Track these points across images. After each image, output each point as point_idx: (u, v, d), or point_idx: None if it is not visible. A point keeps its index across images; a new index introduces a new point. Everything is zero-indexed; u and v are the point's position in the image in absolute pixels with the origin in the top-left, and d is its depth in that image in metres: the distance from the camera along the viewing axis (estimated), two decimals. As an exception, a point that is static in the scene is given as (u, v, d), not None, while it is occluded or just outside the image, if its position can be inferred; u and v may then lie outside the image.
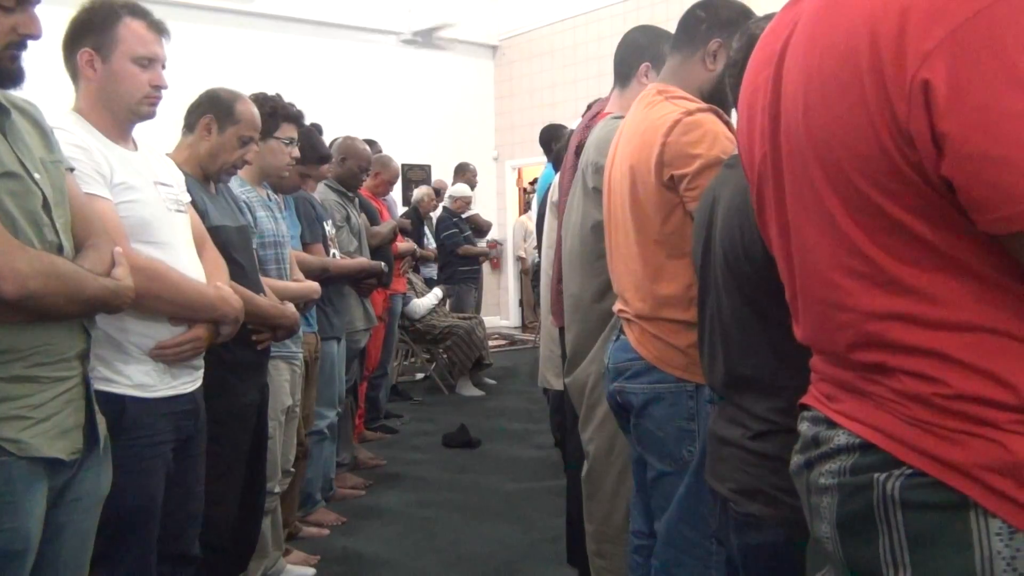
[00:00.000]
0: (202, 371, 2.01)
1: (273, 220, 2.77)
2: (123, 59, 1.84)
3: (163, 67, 1.92)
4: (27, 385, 1.39)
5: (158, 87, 1.89)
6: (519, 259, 9.83)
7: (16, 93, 1.50)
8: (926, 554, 0.80)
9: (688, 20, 1.90)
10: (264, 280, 2.62)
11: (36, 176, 1.43)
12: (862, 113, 0.78)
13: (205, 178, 2.32)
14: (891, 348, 0.83)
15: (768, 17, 1.23)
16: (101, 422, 1.56)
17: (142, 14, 1.88)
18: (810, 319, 0.96)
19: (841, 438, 0.88)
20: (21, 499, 1.37)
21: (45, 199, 1.43)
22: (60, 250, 1.45)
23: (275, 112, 2.78)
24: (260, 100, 2.74)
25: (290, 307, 2.53)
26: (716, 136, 1.70)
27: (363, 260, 3.76)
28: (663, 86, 1.88)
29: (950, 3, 0.71)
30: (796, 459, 0.99)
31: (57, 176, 1.51)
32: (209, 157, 2.30)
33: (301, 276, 2.96)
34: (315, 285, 2.93)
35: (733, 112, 1.55)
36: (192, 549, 2.05)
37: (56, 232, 1.45)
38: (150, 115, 1.91)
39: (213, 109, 2.31)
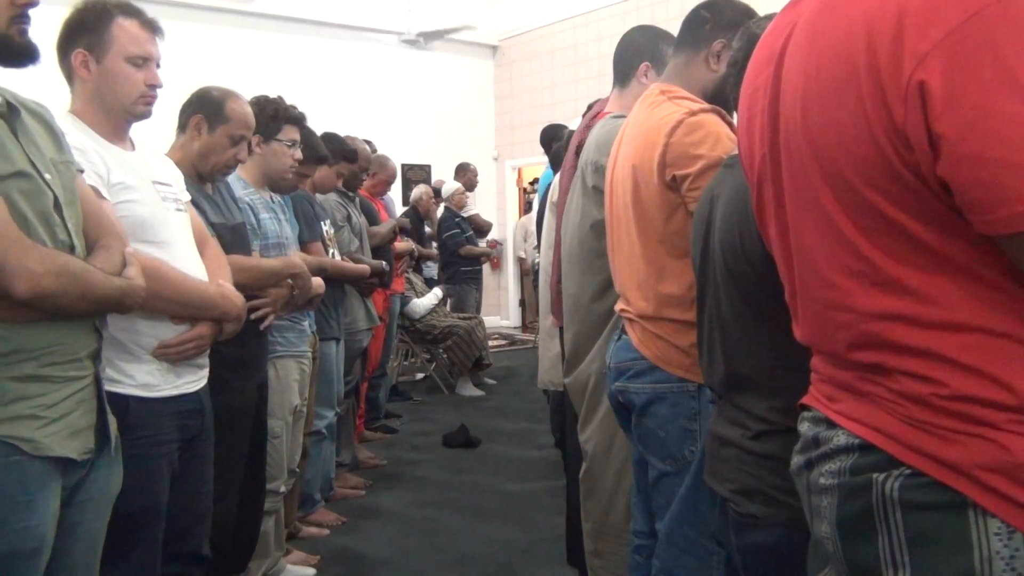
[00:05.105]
0: (207, 370, 2.01)
1: (277, 222, 2.78)
2: (117, 59, 1.84)
3: (158, 66, 1.91)
4: (39, 384, 1.39)
5: (153, 86, 1.88)
6: (519, 260, 9.83)
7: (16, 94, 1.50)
8: (925, 554, 0.80)
9: (692, 20, 1.90)
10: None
11: (47, 176, 1.43)
12: (859, 114, 0.79)
13: (200, 178, 2.32)
14: (889, 348, 0.83)
15: (769, 17, 1.24)
16: (112, 422, 1.57)
17: (135, 13, 1.88)
18: (810, 319, 0.96)
19: (841, 438, 0.89)
20: (35, 498, 1.37)
21: (56, 199, 1.44)
22: (72, 250, 1.46)
23: (277, 114, 2.78)
24: (262, 103, 2.74)
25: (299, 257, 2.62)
26: (719, 137, 1.70)
27: (364, 266, 3.76)
28: (666, 86, 1.88)
29: (946, 5, 0.71)
30: (796, 459, 0.99)
31: (68, 176, 1.52)
32: (200, 157, 2.29)
33: None
34: (318, 280, 2.92)
35: (735, 112, 1.55)
36: (201, 549, 2.05)
37: (68, 232, 1.46)
38: (146, 114, 1.91)
39: (203, 108, 2.30)
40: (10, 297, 1.32)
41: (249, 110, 2.39)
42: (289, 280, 2.58)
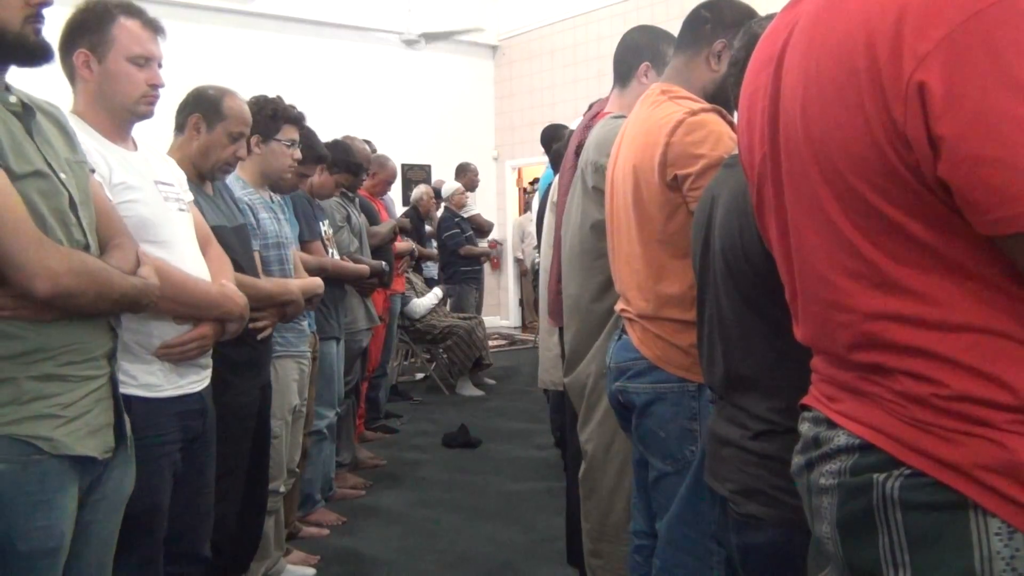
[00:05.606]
0: (210, 370, 2.01)
1: (276, 222, 2.78)
2: (119, 59, 1.84)
3: (160, 65, 1.91)
4: (57, 384, 1.40)
5: (155, 86, 1.89)
6: (517, 260, 9.85)
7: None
8: (926, 554, 0.80)
9: (693, 20, 1.90)
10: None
11: (62, 176, 1.44)
12: (859, 114, 0.79)
13: (200, 178, 2.32)
14: (890, 349, 0.83)
15: (770, 17, 1.24)
16: (127, 421, 1.58)
17: (136, 13, 1.88)
18: (810, 319, 0.96)
19: (841, 439, 0.89)
20: (54, 497, 1.38)
21: (71, 198, 1.45)
22: (87, 249, 1.47)
23: (276, 114, 2.78)
24: (261, 102, 2.74)
25: (293, 283, 2.58)
26: (720, 136, 1.70)
27: (363, 266, 3.77)
28: (667, 86, 1.88)
29: (947, 5, 0.71)
30: (797, 460, 0.99)
31: (82, 176, 1.53)
32: (200, 156, 2.29)
33: (305, 276, 2.97)
34: (318, 280, 2.92)
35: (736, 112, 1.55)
36: (203, 550, 2.05)
37: (83, 231, 1.47)
38: (148, 114, 1.91)
39: (200, 107, 2.30)
40: (31, 296, 1.33)
41: (246, 107, 2.39)
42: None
